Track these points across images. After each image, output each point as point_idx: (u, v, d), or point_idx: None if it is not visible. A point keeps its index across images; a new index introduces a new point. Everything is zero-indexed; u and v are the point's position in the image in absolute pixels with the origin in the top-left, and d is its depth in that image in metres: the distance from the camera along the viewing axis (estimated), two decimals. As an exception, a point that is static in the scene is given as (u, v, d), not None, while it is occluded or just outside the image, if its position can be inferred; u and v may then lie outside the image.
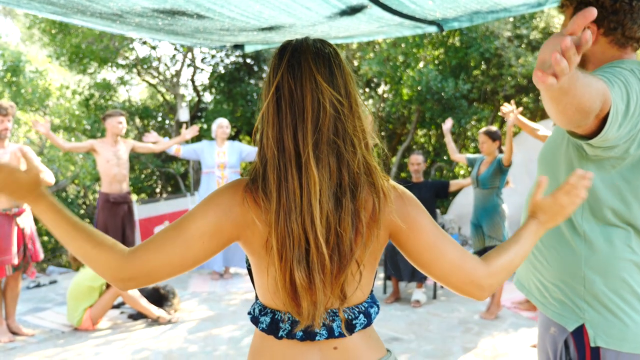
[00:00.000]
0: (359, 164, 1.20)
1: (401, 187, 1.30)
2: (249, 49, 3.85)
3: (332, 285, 1.18)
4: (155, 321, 4.95)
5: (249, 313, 1.33)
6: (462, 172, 10.42)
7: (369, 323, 1.29)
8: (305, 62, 1.21)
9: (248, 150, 6.60)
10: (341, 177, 1.19)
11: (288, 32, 3.01)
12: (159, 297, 5.18)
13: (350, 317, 1.26)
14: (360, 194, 1.19)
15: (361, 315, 1.27)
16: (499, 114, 4.04)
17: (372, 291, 1.33)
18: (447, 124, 5.41)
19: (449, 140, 5.44)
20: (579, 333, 1.58)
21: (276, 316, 1.26)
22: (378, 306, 1.33)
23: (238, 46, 3.75)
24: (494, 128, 5.04)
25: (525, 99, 9.29)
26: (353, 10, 2.67)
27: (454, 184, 5.46)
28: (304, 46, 1.24)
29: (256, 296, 1.34)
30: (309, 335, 1.24)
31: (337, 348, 1.26)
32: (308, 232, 1.15)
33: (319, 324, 1.21)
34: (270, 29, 2.84)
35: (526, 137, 7.10)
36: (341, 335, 1.24)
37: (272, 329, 1.26)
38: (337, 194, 1.18)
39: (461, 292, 1.31)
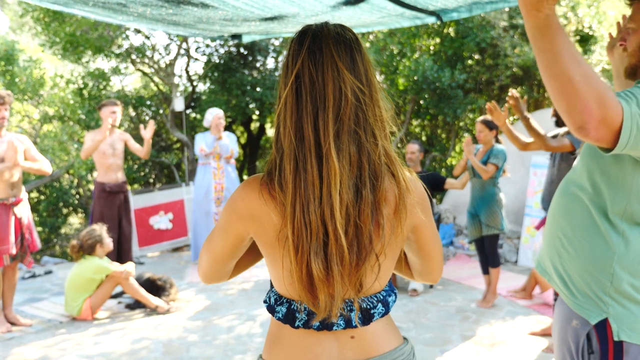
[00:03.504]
0: (380, 154, 1.19)
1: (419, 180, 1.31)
2: (246, 39, 3.84)
3: (350, 277, 1.17)
4: (154, 311, 4.96)
5: (265, 302, 1.33)
6: (454, 162, 10.46)
7: (386, 312, 1.29)
8: (327, 48, 1.18)
9: (223, 142, 6.55)
10: (361, 167, 1.17)
11: (290, 23, 3.01)
12: (156, 288, 5.18)
13: (368, 307, 1.25)
14: (381, 185, 1.18)
15: (379, 304, 1.27)
16: (507, 101, 3.94)
17: (390, 279, 1.33)
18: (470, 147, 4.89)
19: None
20: (602, 327, 1.57)
21: (292, 306, 1.26)
22: (396, 294, 1.33)
23: (235, 36, 3.73)
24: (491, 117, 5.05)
25: (520, 89, 9.31)
26: (357, 0, 2.66)
27: (449, 183, 5.42)
28: (325, 31, 1.21)
29: (271, 284, 1.34)
30: (326, 326, 1.24)
31: (355, 337, 1.26)
32: (327, 223, 1.14)
33: (336, 316, 1.21)
34: (273, 19, 2.83)
35: (522, 128, 7.13)
36: (359, 325, 1.24)
37: (289, 319, 1.26)
38: (357, 184, 1.16)
39: (435, 281, 1.44)
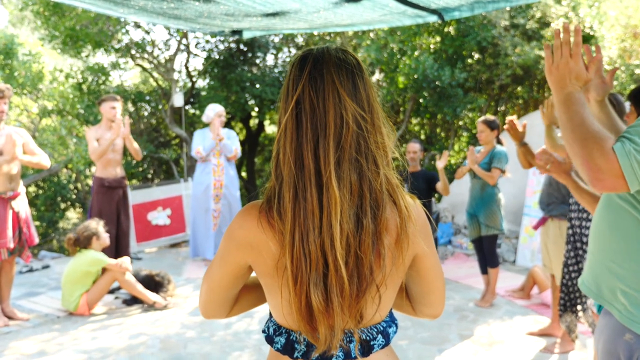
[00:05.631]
0: (382, 182, 1.16)
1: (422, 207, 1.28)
2: (247, 35, 3.83)
3: (351, 308, 1.15)
4: (151, 306, 4.95)
5: (263, 331, 1.31)
6: (452, 160, 10.46)
7: (387, 343, 1.26)
8: (328, 74, 1.16)
9: (225, 142, 6.54)
10: (362, 196, 1.14)
11: (292, 19, 3.00)
12: (154, 284, 5.17)
13: (368, 338, 1.23)
14: (382, 214, 1.15)
15: (379, 335, 1.24)
16: (505, 127, 3.93)
17: (391, 310, 1.30)
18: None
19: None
20: None
21: (291, 337, 1.23)
22: (397, 325, 1.30)
23: (236, 32, 3.72)
24: (492, 117, 5.05)
25: (519, 89, 9.31)
26: (359, -3, 2.65)
27: (437, 186, 5.41)
28: (326, 57, 1.19)
29: (270, 314, 1.31)
30: (325, 358, 1.21)
31: None
32: (327, 253, 1.11)
33: (336, 348, 1.18)
34: (275, 14, 2.82)
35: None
36: (358, 356, 1.21)
37: (287, 350, 1.24)
38: (358, 214, 1.14)
39: (437, 315, 1.40)
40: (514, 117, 3.95)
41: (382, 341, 1.24)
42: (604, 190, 1.45)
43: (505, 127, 3.90)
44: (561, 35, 1.61)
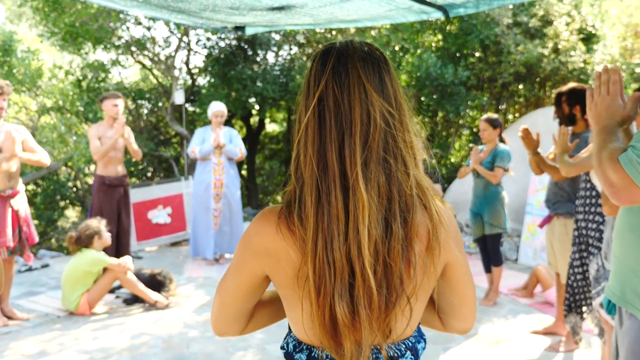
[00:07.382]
0: (411, 185, 1.08)
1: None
2: (249, 32, 3.79)
3: (379, 322, 1.06)
4: (153, 306, 4.90)
5: (282, 347, 1.22)
6: (453, 159, 10.43)
7: None
8: (353, 68, 1.09)
9: (228, 147, 6.49)
10: (392, 199, 1.06)
11: (298, 13, 2.95)
12: (156, 283, 5.12)
13: (395, 355, 1.14)
14: (413, 219, 1.07)
15: (408, 352, 1.16)
16: (519, 135, 3.89)
17: (419, 324, 1.22)
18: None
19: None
20: None
21: (313, 353, 1.15)
22: (425, 340, 1.22)
23: (238, 28, 3.68)
24: (495, 115, 5.01)
25: (521, 87, 9.28)
26: (367, -9, 2.61)
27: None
28: (351, 50, 1.11)
29: (289, 328, 1.22)
30: None
31: None
32: (354, 262, 1.03)
33: None
34: (281, 8, 2.78)
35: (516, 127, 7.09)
36: None
37: None
38: (387, 218, 1.06)
39: (467, 330, 1.31)
40: (526, 125, 3.89)
41: (411, 358, 1.16)
42: (625, 204, 1.48)
43: (519, 135, 3.85)
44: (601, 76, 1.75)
